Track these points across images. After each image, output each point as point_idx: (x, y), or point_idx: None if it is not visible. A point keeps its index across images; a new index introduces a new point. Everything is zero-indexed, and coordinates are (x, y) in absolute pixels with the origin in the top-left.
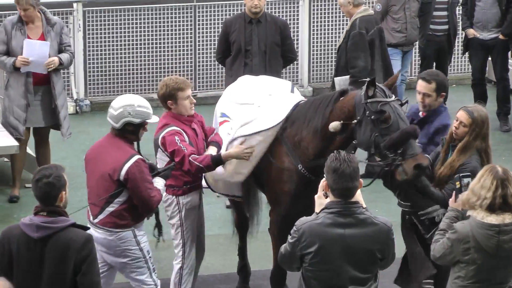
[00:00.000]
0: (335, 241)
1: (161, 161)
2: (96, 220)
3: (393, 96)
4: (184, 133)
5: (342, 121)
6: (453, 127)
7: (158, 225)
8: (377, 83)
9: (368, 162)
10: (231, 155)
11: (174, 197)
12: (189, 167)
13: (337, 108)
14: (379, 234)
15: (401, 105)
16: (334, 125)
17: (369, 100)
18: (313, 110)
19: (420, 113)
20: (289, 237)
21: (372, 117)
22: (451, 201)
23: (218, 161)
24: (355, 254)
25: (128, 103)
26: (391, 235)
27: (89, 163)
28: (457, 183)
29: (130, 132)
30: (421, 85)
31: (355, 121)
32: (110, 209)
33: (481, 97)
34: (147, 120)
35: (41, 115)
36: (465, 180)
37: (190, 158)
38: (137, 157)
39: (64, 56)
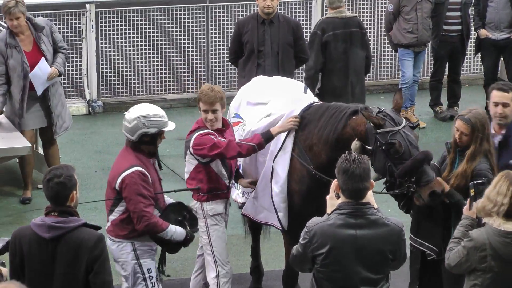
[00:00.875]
0: (346, 242)
1: (189, 164)
2: (105, 228)
3: (403, 122)
4: (217, 136)
5: (359, 141)
6: (456, 137)
7: (162, 259)
8: (385, 110)
9: (386, 192)
10: (279, 128)
11: (199, 203)
12: (239, 150)
13: (350, 127)
14: (390, 235)
15: (413, 128)
16: (354, 146)
17: (379, 131)
18: (325, 120)
19: (492, 129)
20: (301, 238)
21: (383, 147)
22: (465, 208)
23: (269, 136)
24: (366, 255)
25: (142, 114)
26: (402, 236)
27: None
28: (472, 190)
29: (147, 142)
30: (498, 96)
31: (369, 148)
32: (112, 217)
33: None
34: (164, 129)
35: (40, 116)
36: (480, 188)
37: (237, 142)
38: (135, 168)
39: (60, 63)
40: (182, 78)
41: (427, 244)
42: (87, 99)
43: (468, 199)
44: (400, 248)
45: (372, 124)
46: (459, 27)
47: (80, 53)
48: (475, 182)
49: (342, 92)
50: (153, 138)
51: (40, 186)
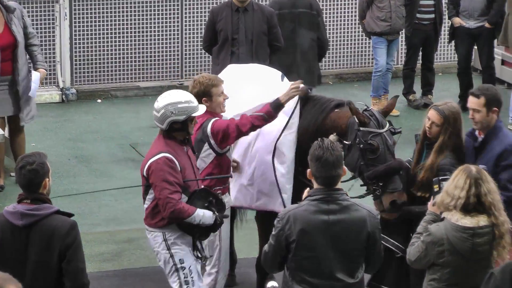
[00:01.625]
0: (319, 227)
1: (204, 161)
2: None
3: (387, 125)
4: None
5: (337, 136)
6: (426, 127)
7: (195, 248)
8: (372, 109)
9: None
10: (285, 96)
11: None
12: (251, 120)
13: (331, 119)
14: (364, 221)
15: (394, 133)
16: (331, 139)
17: (361, 128)
18: (306, 110)
19: (477, 132)
20: (273, 230)
21: (361, 146)
22: (429, 204)
23: (278, 104)
24: (340, 241)
25: (169, 102)
26: (377, 224)
27: None
28: (435, 186)
29: (177, 130)
30: (470, 101)
31: (346, 143)
32: (145, 206)
33: (467, 86)
34: (193, 114)
35: (9, 103)
36: (444, 184)
37: (248, 115)
38: (162, 154)
39: (41, 60)
40: (156, 66)
41: (392, 241)
42: (61, 87)
43: (432, 195)
44: (375, 235)
45: (356, 120)
46: (432, 15)
47: (54, 40)
48: (440, 178)
49: (288, 71)
50: (183, 124)
51: (13, 174)
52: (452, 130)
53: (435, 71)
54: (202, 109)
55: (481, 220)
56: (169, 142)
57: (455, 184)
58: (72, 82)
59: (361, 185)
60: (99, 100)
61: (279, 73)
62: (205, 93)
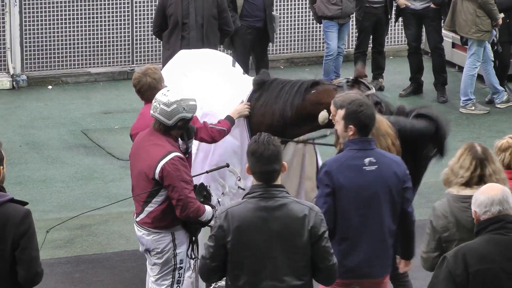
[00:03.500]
0: (256, 225)
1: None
2: (137, 219)
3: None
4: None
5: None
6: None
7: (194, 242)
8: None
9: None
10: (237, 113)
11: None
12: (216, 137)
13: (313, 97)
14: (304, 217)
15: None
16: (324, 116)
17: None
18: (272, 93)
19: None
20: (211, 231)
21: None
22: None
23: (232, 120)
24: (280, 239)
25: (182, 98)
26: (320, 220)
27: (131, 159)
28: None
29: (179, 127)
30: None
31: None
32: (148, 209)
33: (417, 67)
34: (196, 114)
35: None
36: None
37: (214, 128)
38: (174, 154)
39: None
40: (107, 51)
41: None
42: (11, 73)
43: None
44: (317, 232)
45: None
46: None
47: (3, 27)
48: None
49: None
50: (186, 122)
51: None
52: None
53: (386, 55)
54: (199, 111)
55: None
56: (169, 140)
57: (460, 164)
58: (22, 69)
59: None
60: (50, 87)
61: (230, 59)
62: (160, 83)
